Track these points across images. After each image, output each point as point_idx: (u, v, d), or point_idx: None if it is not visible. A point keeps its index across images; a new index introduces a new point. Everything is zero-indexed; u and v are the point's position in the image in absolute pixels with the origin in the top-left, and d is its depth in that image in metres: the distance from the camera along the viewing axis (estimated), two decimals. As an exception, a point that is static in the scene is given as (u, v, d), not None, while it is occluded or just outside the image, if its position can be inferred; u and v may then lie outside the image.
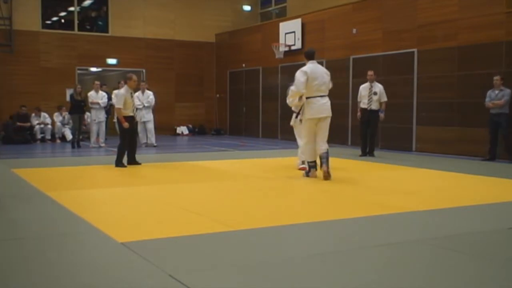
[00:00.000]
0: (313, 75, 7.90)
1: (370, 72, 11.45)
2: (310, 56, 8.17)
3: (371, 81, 11.39)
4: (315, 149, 8.02)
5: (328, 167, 7.83)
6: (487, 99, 10.50)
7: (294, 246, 4.24)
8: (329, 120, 8.04)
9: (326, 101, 8.01)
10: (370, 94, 11.32)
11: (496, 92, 10.37)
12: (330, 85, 8.22)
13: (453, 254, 4.00)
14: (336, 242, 4.40)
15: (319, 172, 8.01)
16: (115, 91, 14.35)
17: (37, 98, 17.17)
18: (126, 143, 9.54)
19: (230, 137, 18.58)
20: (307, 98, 7.97)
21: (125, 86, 9.55)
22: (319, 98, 7.94)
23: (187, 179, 8.15)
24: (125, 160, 9.54)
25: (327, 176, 7.77)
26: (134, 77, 9.66)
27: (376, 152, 11.55)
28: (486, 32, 11.24)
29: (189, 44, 20.00)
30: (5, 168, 9.04)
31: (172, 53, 19.79)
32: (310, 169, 8.11)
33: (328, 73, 8.22)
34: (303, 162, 8.69)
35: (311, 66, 8.01)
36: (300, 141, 8.76)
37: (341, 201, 6.32)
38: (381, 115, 11.36)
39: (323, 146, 7.93)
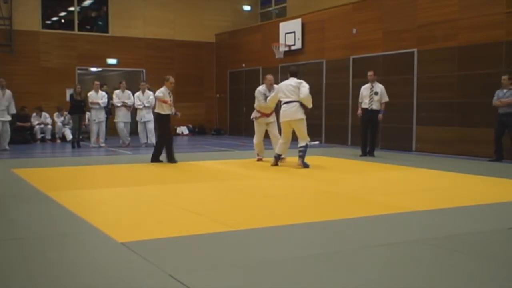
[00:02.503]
0: (280, 88, 9.44)
1: (370, 73, 11.43)
2: (294, 74, 9.52)
3: (372, 81, 11.38)
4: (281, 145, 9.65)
5: (299, 160, 9.30)
6: (494, 98, 10.28)
7: (294, 246, 4.23)
8: (298, 123, 9.29)
9: (290, 107, 9.22)
10: (371, 94, 11.30)
11: (505, 91, 10.18)
12: (302, 94, 9.17)
13: (453, 254, 4.00)
14: (336, 242, 4.40)
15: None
16: (116, 91, 14.46)
17: (37, 98, 17.16)
18: (164, 140, 10.02)
19: (230, 137, 18.58)
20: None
21: (164, 87, 10.00)
22: (284, 105, 9.32)
23: (187, 179, 8.15)
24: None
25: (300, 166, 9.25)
26: (172, 79, 10.12)
27: (376, 152, 11.54)
28: (486, 32, 11.24)
29: (189, 44, 19.99)
30: (5, 168, 9.04)
31: (172, 53, 19.79)
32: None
33: (298, 82, 9.33)
34: (258, 154, 10.41)
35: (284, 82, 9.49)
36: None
37: (341, 201, 6.31)
38: (380, 115, 11.33)
39: (299, 143, 9.37)
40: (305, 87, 9.22)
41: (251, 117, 10.47)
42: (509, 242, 4.48)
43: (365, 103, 11.41)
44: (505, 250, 4.20)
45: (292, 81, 9.37)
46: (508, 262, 3.86)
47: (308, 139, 9.49)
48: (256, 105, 10.28)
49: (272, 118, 10.31)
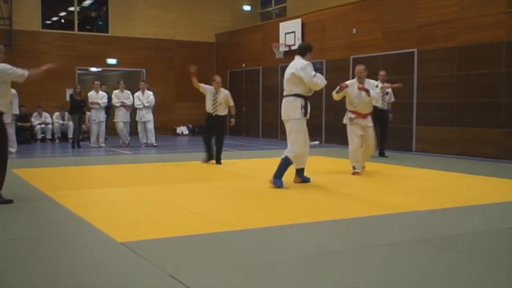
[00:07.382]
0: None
1: (382, 73, 11.12)
2: (298, 51, 7.35)
3: (383, 82, 11.04)
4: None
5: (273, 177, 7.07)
6: None
7: (294, 246, 4.23)
8: (289, 123, 7.15)
9: (285, 102, 7.21)
10: (383, 94, 10.98)
11: None
12: (313, 84, 7.00)
13: (453, 254, 4.00)
14: (337, 242, 4.40)
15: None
16: (115, 91, 14.46)
17: (37, 98, 17.14)
18: None
19: (230, 137, 18.54)
20: None
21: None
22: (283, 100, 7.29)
23: (187, 179, 8.14)
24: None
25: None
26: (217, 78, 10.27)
27: (376, 152, 11.46)
28: (486, 32, 11.23)
29: (189, 44, 19.99)
30: (5, 168, 9.02)
31: (172, 53, 19.78)
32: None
33: (296, 68, 6.99)
34: (354, 167, 8.62)
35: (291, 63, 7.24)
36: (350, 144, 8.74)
37: (341, 201, 6.31)
38: (390, 115, 11.23)
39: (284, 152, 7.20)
40: (307, 72, 6.92)
41: (344, 122, 8.97)
42: (509, 242, 4.48)
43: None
44: (505, 250, 4.20)
45: (293, 65, 7.10)
46: (508, 262, 3.86)
47: (294, 150, 7.13)
48: (334, 95, 8.56)
49: (369, 122, 8.77)
